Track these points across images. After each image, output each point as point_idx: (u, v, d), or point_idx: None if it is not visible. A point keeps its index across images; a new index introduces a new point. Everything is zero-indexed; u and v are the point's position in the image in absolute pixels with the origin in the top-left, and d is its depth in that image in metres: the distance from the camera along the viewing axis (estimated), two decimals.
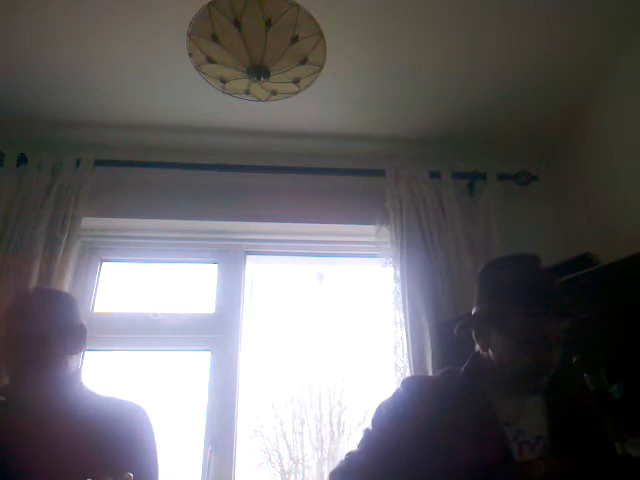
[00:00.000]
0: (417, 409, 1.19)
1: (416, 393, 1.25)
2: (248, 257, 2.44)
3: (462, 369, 1.27)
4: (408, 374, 1.94)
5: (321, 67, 1.65)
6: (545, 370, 1.15)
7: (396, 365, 2.00)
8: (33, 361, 1.24)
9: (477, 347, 1.26)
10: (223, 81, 1.66)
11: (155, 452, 1.29)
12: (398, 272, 2.14)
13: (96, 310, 2.26)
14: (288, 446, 2.31)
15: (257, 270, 2.50)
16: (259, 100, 1.76)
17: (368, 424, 1.29)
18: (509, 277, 1.20)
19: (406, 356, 1.98)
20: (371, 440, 1.24)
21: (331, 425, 2.36)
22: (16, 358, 1.24)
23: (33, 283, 1.93)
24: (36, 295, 1.39)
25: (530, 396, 1.20)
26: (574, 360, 1.16)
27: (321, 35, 1.56)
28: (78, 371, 1.34)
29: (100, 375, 2.16)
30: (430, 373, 1.85)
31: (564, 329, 1.15)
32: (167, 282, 2.42)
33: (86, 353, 2.15)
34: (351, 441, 2.27)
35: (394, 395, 1.29)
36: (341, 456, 1.27)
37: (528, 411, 1.17)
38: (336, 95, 2.23)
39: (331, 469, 1.26)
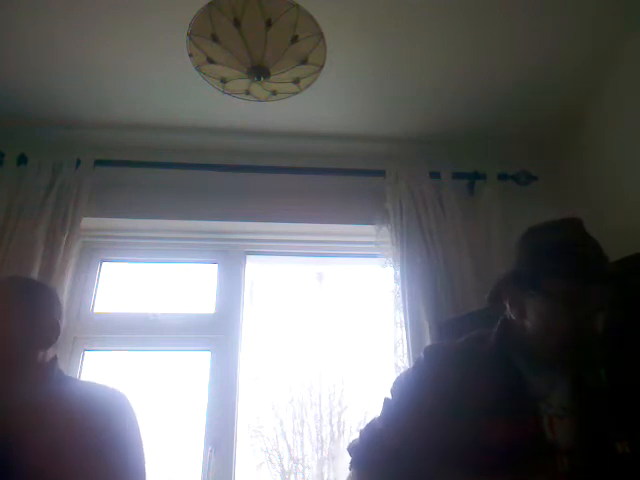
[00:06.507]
0: (440, 377, 1.13)
1: (439, 361, 1.18)
2: (248, 257, 2.44)
3: (492, 335, 1.18)
4: None
5: (321, 67, 1.65)
6: (584, 339, 1.07)
7: (396, 365, 2.00)
8: None
9: (506, 314, 1.18)
10: (223, 81, 1.66)
11: (130, 431, 1.22)
12: (398, 272, 2.14)
13: (96, 310, 2.25)
14: (288, 446, 2.30)
15: (257, 270, 2.50)
16: (259, 100, 1.76)
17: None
18: (555, 239, 1.12)
19: (406, 356, 1.98)
20: (391, 409, 1.18)
21: (331, 425, 2.35)
22: None
23: None
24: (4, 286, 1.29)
25: (564, 370, 1.13)
26: None
27: (321, 35, 1.56)
28: (53, 361, 1.27)
29: (100, 375, 2.16)
30: None
31: (605, 300, 1.09)
32: (167, 282, 2.42)
33: (86, 353, 2.16)
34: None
35: (415, 364, 1.23)
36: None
37: (558, 385, 1.12)
38: (336, 95, 2.23)
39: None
